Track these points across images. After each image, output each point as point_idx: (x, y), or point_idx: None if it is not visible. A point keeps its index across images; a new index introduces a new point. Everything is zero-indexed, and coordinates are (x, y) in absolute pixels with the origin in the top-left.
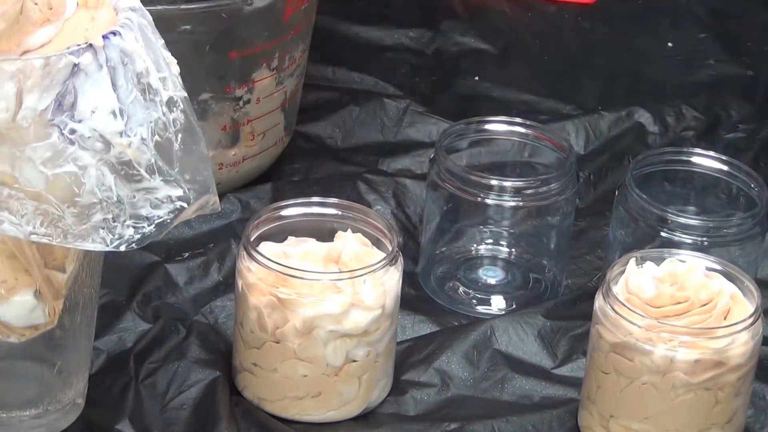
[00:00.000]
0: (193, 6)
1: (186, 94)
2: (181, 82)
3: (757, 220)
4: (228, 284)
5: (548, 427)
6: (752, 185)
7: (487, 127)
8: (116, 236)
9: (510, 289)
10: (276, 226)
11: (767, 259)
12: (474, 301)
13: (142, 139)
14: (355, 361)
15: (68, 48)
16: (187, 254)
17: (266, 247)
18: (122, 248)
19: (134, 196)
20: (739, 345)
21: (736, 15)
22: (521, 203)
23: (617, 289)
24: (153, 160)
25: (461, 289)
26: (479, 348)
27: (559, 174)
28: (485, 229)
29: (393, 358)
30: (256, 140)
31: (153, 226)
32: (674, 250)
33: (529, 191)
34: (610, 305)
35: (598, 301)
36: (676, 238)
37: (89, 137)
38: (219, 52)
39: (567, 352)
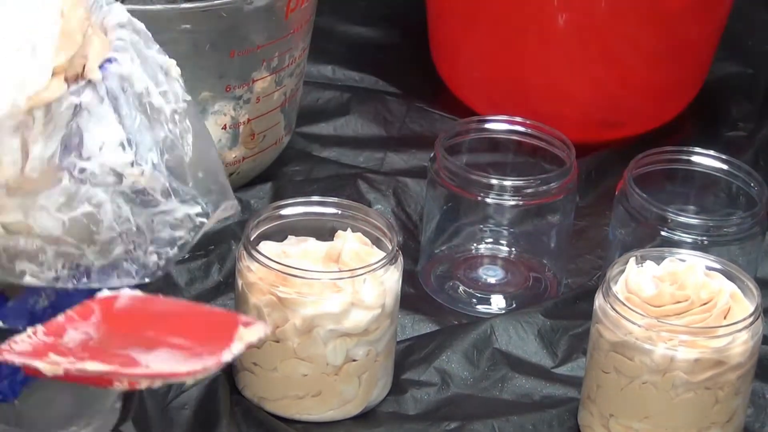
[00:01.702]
0: (193, 5)
1: (189, 98)
2: (182, 85)
3: (757, 219)
4: (228, 284)
5: (548, 427)
6: (752, 184)
7: (488, 125)
8: (141, 266)
9: (510, 288)
10: (276, 226)
11: (767, 259)
12: (474, 300)
13: (153, 164)
14: (355, 360)
15: (68, 89)
16: (188, 255)
17: (266, 247)
18: (148, 279)
19: (152, 221)
20: (739, 344)
21: (737, 14)
22: (521, 202)
23: (617, 288)
24: (167, 183)
25: (461, 288)
26: (479, 347)
27: (559, 173)
28: (485, 228)
29: (393, 358)
30: (256, 140)
31: (176, 248)
32: (674, 250)
33: (529, 190)
34: (610, 304)
35: (598, 300)
36: (676, 238)
37: (100, 173)
38: (219, 51)
39: (567, 351)
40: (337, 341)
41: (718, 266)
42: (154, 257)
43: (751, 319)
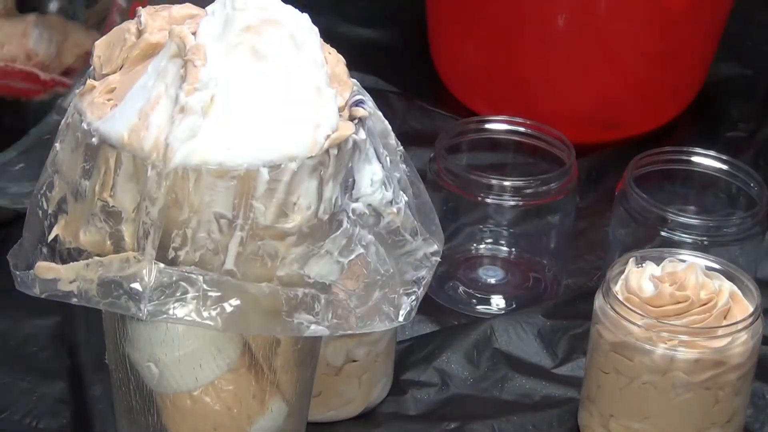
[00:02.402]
0: None
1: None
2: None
3: (756, 219)
4: None
5: (548, 427)
6: (752, 185)
7: (487, 126)
8: (395, 307)
9: (510, 289)
10: None
11: (767, 259)
12: (474, 300)
13: (406, 202)
14: (355, 360)
15: (348, 128)
16: None
17: None
18: (403, 320)
19: (398, 263)
20: (739, 344)
21: (736, 14)
22: (521, 203)
23: (617, 288)
24: (416, 223)
25: (461, 288)
26: (479, 347)
27: (559, 173)
28: (485, 229)
29: (393, 358)
30: None
31: (421, 288)
32: (674, 250)
33: (529, 191)
34: (610, 305)
35: (598, 301)
36: (676, 238)
37: (364, 213)
38: None
39: (567, 351)
40: (338, 342)
41: (717, 266)
42: (404, 298)
43: (750, 319)
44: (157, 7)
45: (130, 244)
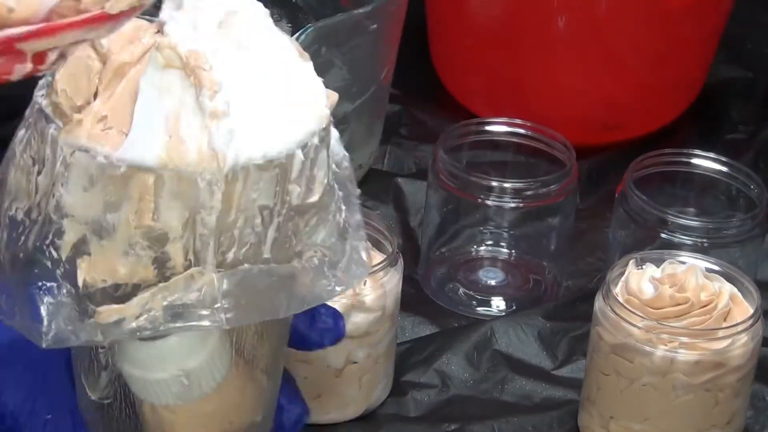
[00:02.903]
0: None
1: None
2: None
3: (757, 221)
4: None
5: (548, 428)
6: (752, 186)
7: (488, 127)
8: (361, 254)
9: (510, 291)
10: None
11: (767, 261)
12: (474, 302)
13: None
14: (355, 362)
15: (333, 92)
16: None
17: None
18: (369, 264)
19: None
20: (739, 346)
21: (737, 16)
22: (521, 204)
23: (617, 290)
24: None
25: (461, 290)
26: (479, 349)
27: (560, 175)
28: (485, 231)
29: (393, 360)
30: None
31: (362, 230)
32: (674, 252)
33: (529, 192)
34: (610, 306)
35: (598, 303)
36: (676, 240)
37: (336, 171)
38: None
39: (567, 353)
40: (338, 344)
41: (718, 268)
42: (361, 243)
43: (751, 321)
44: None
45: (179, 262)
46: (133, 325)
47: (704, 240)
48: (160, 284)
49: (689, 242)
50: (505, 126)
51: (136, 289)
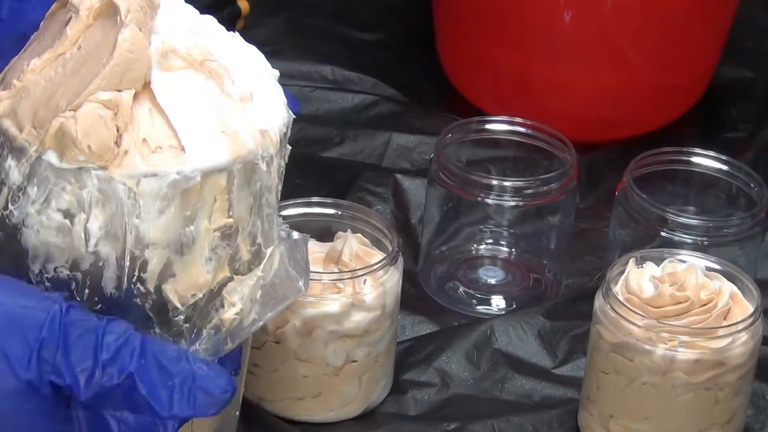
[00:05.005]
0: None
1: None
2: None
3: (757, 219)
4: None
5: (548, 427)
6: (752, 185)
7: (488, 126)
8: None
9: (510, 289)
10: None
11: (767, 260)
12: (474, 300)
13: None
14: (355, 361)
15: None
16: None
17: None
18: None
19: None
20: (739, 345)
21: (737, 16)
22: (521, 203)
23: (617, 289)
24: None
25: (461, 288)
26: (479, 348)
27: (560, 174)
28: (485, 229)
29: (393, 358)
30: None
31: None
32: (674, 250)
33: (529, 191)
34: (610, 305)
35: (598, 301)
36: (676, 238)
37: None
38: None
39: (567, 352)
40: (338, 342)
41: (718, 267)
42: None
43: (751, 319)
44: None
45: (245, 251)
46: (252, 319)
47: (704, 238)
48: (251, 273)
49: (689, 241)
50: (505, 124)
51: (215, 293)
